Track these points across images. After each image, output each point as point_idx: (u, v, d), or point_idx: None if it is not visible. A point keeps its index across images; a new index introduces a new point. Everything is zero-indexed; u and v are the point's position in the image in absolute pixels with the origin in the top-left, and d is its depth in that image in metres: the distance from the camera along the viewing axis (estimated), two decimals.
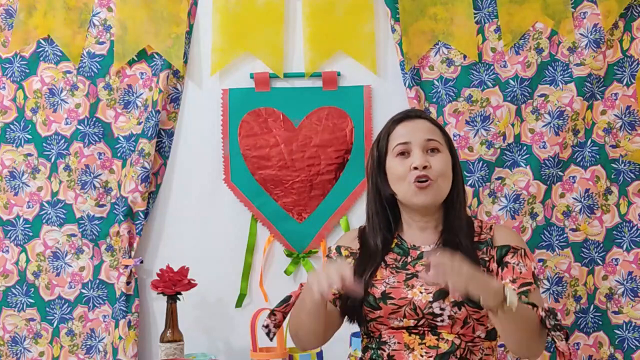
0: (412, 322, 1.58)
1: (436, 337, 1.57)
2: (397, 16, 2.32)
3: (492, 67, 2.32)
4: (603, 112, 2.28)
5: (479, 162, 2.30)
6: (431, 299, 1.57)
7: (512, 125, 2.30)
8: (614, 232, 2.27)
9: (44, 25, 2.41)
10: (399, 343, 1.59)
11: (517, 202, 2.27)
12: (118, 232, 2.34)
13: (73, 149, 2.38)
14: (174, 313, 2.15)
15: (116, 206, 2.36)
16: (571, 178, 2.29)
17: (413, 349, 1.57)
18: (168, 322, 2.15)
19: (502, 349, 2.18)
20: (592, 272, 2.27)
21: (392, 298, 1.60)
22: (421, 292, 1.59)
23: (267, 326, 1.69)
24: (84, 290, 2.36)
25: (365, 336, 1.69)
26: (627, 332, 2.24)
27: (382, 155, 1.69)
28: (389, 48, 2.38)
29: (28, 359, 2.35)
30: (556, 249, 2.27)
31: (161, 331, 2.16)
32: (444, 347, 1.56)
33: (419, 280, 1.61)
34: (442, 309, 1.56)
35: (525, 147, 2.29)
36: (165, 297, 2.15)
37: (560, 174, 2.29)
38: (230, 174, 2.39)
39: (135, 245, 2.35)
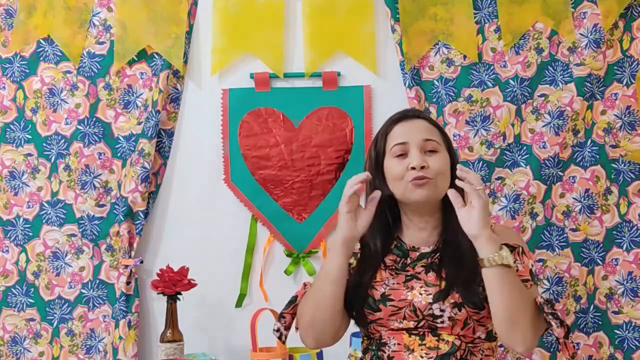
0: (412, 324, 1.58)
1: (436, 338, 1.57)
2: (397, 16, 2.32)
3: (492, 67, 2.32)
4: (603, 112, 2.29)
5: (479, 162, 2.30)
6: (431, 301, 1.57)
7: (512, 125, 2.30)
8: (614, 232, 2.27)
9: (44, 25, 2.41)
10: (399, 344, 1.59)
11: (517, 202, 2.27)
12: (118, 232, 2.34)
13: (73, 149, 2.38)
14: (174, 313, 2.15)
15: (116, 206, 2.36)
16: (571, 178, 2.29)
17: (413, 350, 1.57)
18: (168, 322, 2.15)
19: (502, 349, 2.18)
20: (592, 272, 2.28)
21: (391, 300, 1.60)
22: (421, 294, 1.59)
23: (278, 330, 1.68)
24: (84, 290, 2.36)
25: (365, 338, 1.69)
26: (627, 332, 2.24)
27: (380, 156, 1.68)
28: (389, 48, 2.38)
29: (28, 359, 2.36)
30: (556, 249, 2.27)
31: (161, 331, 2.16)
32: (444, 348, 1.56)
33: (419, 282, 1.61)
34: (442, 311, 1.56)
35: (525, 147, 2.29)
36: (165, 297, 2.15)
37: (560, 174, 2.29)
38: (230, 174, 2.39)
39: (135, 245, 2.35)
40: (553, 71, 2.29)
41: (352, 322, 1.69)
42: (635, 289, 2.25)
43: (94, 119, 2.39)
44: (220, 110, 2.40)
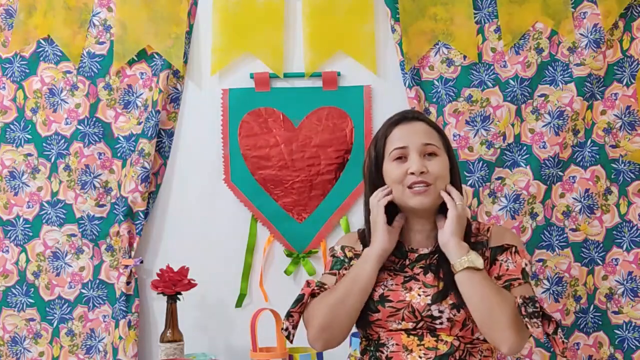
0: (410, 325, 1.58)
1: (435, 338, 1.57)
2: (397, 16, 2.32)
3: (492, 67, 2.32)
4: (603, 112, 2.28)
5: (479, 162, 2.30)
6: (429, 302, 1.57)
7: (512, 125, 2.30)
8: (614, 232, 2.27)
9: (44, 25, 2.41)
10: (397, 345, 1.59)
11: (517, 202, 2.27)
12: (118, 232, 2.34)
13: (73, 149, 2.38)
14: (174, 313, 2.15)
15: (116, 206, 2.36)
16: (571, 178, 2.29)
17: (411, 351, 1.57)
18: (168, 322, 2.15)
19: None
20: (592, 272, 2.27)
21: (390, 301, 1.60)
22: (419, 295, 1.59)
23: (286, 329, 1.66)
24: (84, 290, 2.36)
25: (363, 339, 1.69)
26: (627, 332, 2.24)
27: (379, 158, 1.69)
28: (389, 48, 2.38)
29: (28, 359, 2.36)
30: (556, 249, 2.27)
31: (161, 331, 2.16)
32: (443, 348, 1.56)
33: (417, 283, 1.61)
34: (440, 312, 1.56)
35: (525, 147, 2.29)
36: (165, 297, 2.15)
37: (560, 174, 2.29)
38: (230, 174, 2.39)
39: (135, 245, 2.35)
40: (553, 71, 2.29)
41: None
42: (635, 289, 2.25)
43: (94, 119, 2.39)
44: (220, 110, 2.40)
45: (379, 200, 1.65)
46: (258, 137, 2.39)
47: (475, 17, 2.33)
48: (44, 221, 2.38)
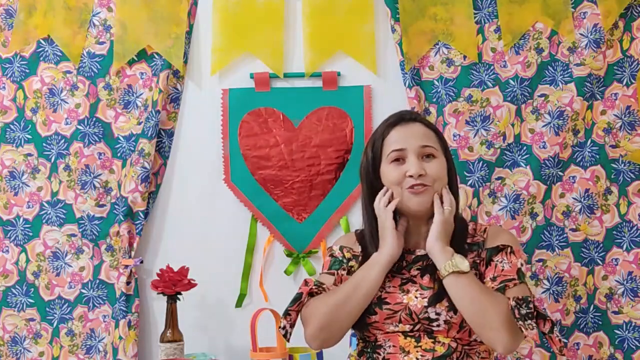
0: (407, 327, 1.58)
1: (432, 340, 1.57)
2: (397, 16, 2.32)
3: (492, 67, 2.32)
4: (603, 112, 2.28)
5: (479, 162, 2.29)
6: (426, 304, 1.57)
7: (512, 125, 2.30)
8: (614, 232, 2.27)
9: (44, 25, 2.41)
10: (394, 346, 1.58)
11: (517, 202, 2.27)
12: (118, 232, 2.34)
13: (73, 149, 2.38)
14: (174, 313, 2.15)
15: (116, 206, 2.36)
16: (571, 178, 2.29)
17: (409, 352, 1.57)
18: (168, 322, 2.15)
19: None
20: (592, 272, 2.27)
21: (387, 303, 1.60)
22: (416, 297, 1.59)
23: (284, 327, 1.65)
24: (84, 290, 2.36)
25: (360, 340, 1.69)
26: (627, 332, 2.24)
27: (377, 159, 1.68)
28: (389, 48, 2.38)
29: (28, 359, 2.36)
30: (556, 249, 2.27)
31: (161, 331, 2.16)
32: (440, 350, 1.56)
33: (414, 285, 1.61)
34: (437, 314, 1.56)
35: (525, 147, 2.29)
36: (165, 297, 2.15)
37: (560, 174, 2.29)
38: (230, 174, 2.39)
39: (135, 245, 2.35)
40: (553, 71, 2.29)
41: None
42: (635, 289, 2.25)
43: (94, 119, 2.39)
44: (220, 110, 2.40)
45: (385, 205, 1.64)
46: (258, 137, 2.39)
47: (475, 17, 2.33)
48: (44, 221, 2.38)
